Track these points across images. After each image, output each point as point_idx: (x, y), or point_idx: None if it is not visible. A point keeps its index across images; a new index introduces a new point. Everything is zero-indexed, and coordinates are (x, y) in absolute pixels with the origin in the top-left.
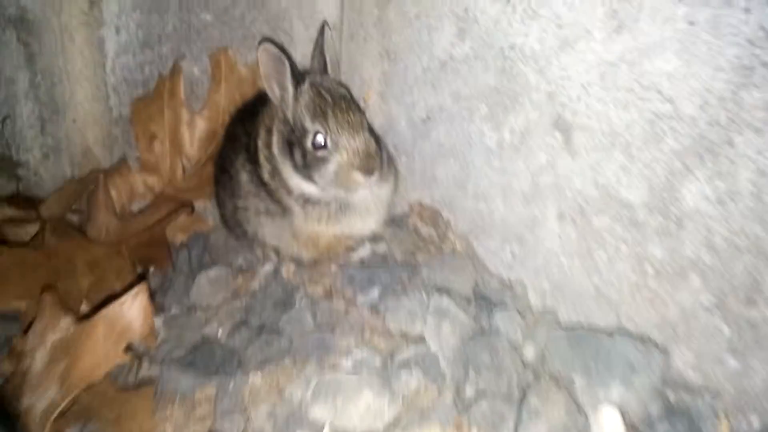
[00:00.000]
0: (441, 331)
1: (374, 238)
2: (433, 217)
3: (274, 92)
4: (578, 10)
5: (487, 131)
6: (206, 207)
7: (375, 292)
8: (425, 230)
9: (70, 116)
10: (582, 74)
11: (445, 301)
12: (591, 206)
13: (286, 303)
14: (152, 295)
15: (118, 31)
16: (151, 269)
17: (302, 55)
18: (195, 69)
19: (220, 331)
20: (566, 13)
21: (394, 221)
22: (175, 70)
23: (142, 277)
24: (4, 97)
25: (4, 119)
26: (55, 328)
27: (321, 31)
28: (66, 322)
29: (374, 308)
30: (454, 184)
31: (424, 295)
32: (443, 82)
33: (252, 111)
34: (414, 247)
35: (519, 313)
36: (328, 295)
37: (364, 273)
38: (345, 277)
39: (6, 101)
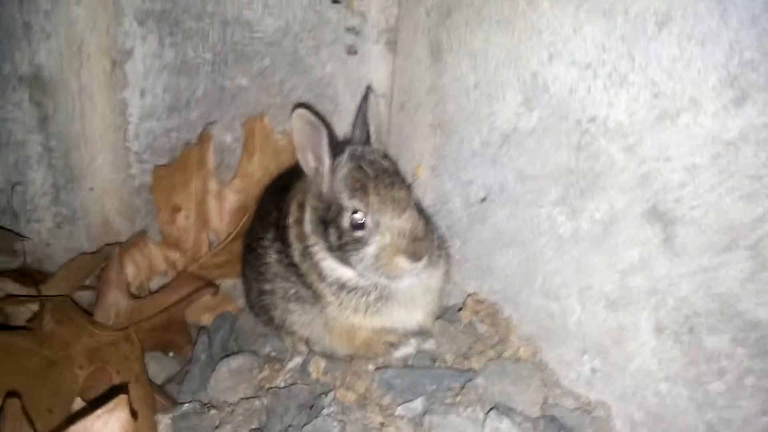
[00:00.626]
0: None
1: (421, 334)
2: (492, 314)
3: (308, 164)
4: (681, 76)
5: (559, 218)
6: (235, 285)
7: (418, 404)
8: (482, 329)
9: (87, 184)
10: (686, 155)
11: (506, 424)
12: (703, 320)
13: (312, 408)
14: (163, 385)
15: (143, 93)
16: (170, 353)
17: (348, 125)
18: (227, 136)
19: None
20: (665, 80)
21: (446, 315)
22: (205, 137)
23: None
24: (14, 162)
25: (13, 186)
26: None
27: (365, 97)
28: None
29: (416, 424)
30: (517, 276)
31: (478, 411)
32: (505, 158)
33: (286, 184)
34: (468, 349)
35: None
36: (362, 402)
37: (407, 379)
38: (382, 382)
39: (15, 167)
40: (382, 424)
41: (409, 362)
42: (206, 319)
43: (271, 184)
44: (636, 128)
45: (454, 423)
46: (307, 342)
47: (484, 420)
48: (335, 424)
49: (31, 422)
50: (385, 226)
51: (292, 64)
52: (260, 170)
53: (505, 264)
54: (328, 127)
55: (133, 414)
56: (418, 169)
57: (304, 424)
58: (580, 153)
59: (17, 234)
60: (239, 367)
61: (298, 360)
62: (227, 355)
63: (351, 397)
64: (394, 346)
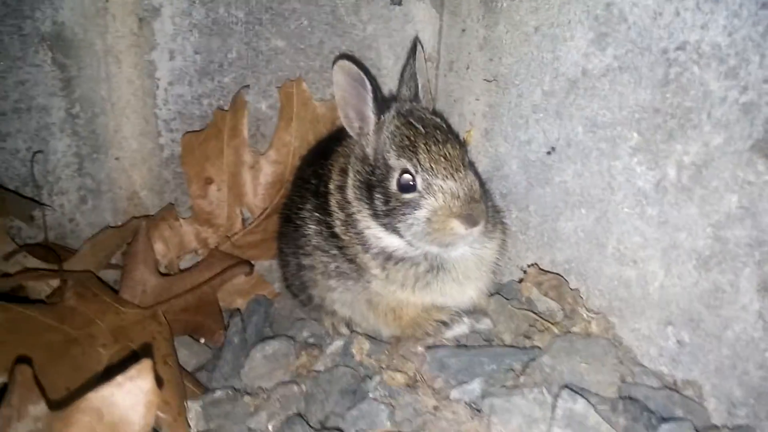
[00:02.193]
0: None
1: (474, 312)
2: (557, 287)
3: (351, 122)
4: None
5: (638, 168)
6: (271, 267)
7: (476, 386)
8: (545, 304)
9: (113, 154)
10: None
11: (581, 405)
12: None
13: (356, 392)
14: (194, 372)
15: (172, 55)
16: (201, 339)
17: (392, 90)
18: (262, 103)
19: (271, 426)
20: None
21: (501, 292)
22: (238, 104)
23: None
24: (35, 129)
25: (34, 155)
26: (22, 418)
27: (412, 50)
28: (38, 410)
29: (474, 408)
30: (586, 242)
31: (545, 393)
32: (572, 107)
33: (325, 150)
34: (529, 327)
35: (697, 430)
36: (412, 385)
37: (462, 358)
38: (435, 362)
39: (37, 134)
40: (436, 408)
41: (463, 343)
42: (239, 304)
43: (309, 152)
44: (738, 48)
45: (518, 406)
46: (348, 323)
47: (554, 402)
48: (383, 408)
49: (44, 393)
50: (437, 187)
51: (331, 24)
52: (298, 139)
53: (571, 229)
54: (372, 81)
55: (158, 382)
56: (468, 134)
57: (349, 409)
58: (667, 88)
59: (34, 200)
60: (275, 353)
61: (339, 343)
62: (262, 340)
63: (400, 379)
64: (445, 324)
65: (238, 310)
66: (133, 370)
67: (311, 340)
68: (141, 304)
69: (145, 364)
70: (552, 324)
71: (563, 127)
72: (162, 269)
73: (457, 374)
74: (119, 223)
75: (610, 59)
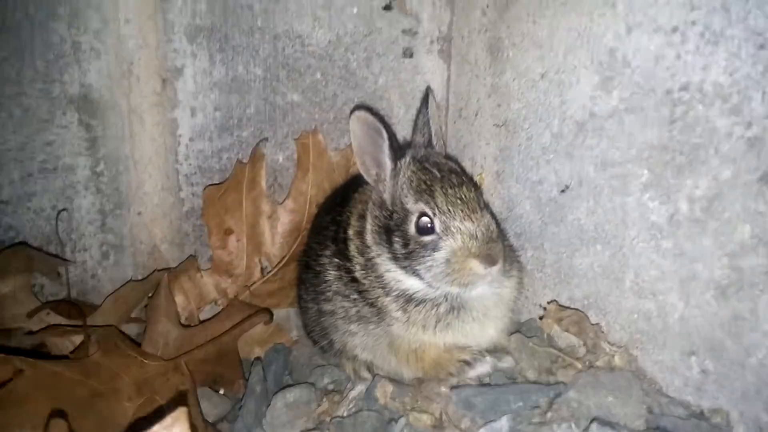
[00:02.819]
0: None
1: (496, 351)
2: (578, 322)
3: (368, 170)
4: None
5: (651, 204)
6: (288, 315)
7: (504, 424)
8: (566, 340)
9: (135, 209)
10: None
11: None
12: None
13: None
14: (215, 423)
15: (193, 112)
16: (220, 390)
17: (404, 138)
18: (279, 155)
19: None
20: None
21: (521, 330)
22: (257, 156)
23: (193, 397)
24: (61, 188)
25: (59, 213)
26: None
27: (424, 99)
28: None
29: None
30: (603, 277)
31: (574, 428)
32: (582, 148)
33: (342, 197)
34: (552, 363)
35: None
36: (438, 426)
37: (487, 396)
38: (461, 401)
39: (63, 192)
40: None
41: (486, 382)
42: (257, 353)
43: (325, 200)
44: (740, 87)
45: None
46: (369, 367)
47: None
48: None
49: None
50: (455, 229)
51: (344, 78)
52: (314, 188)
53: (588, 265)
54: (388, 129)
55: (193, 430)
56: (480, 176)
57: None
58: (673, 126)
59: (60, 257)
60: (296, 401)
61: (361, 387)
62: (282, 389)
63: (426, 420)
64: (468, 364)
65: (259, 359)
66: (168, 419)
67: (331, 387)
68: (163, 356)
69: (181, 413)
70: (575, 359)
71: (574, 166)
72: (183, 321)
73: (483, 413)
74: (140, 277)
75: (616, 101)
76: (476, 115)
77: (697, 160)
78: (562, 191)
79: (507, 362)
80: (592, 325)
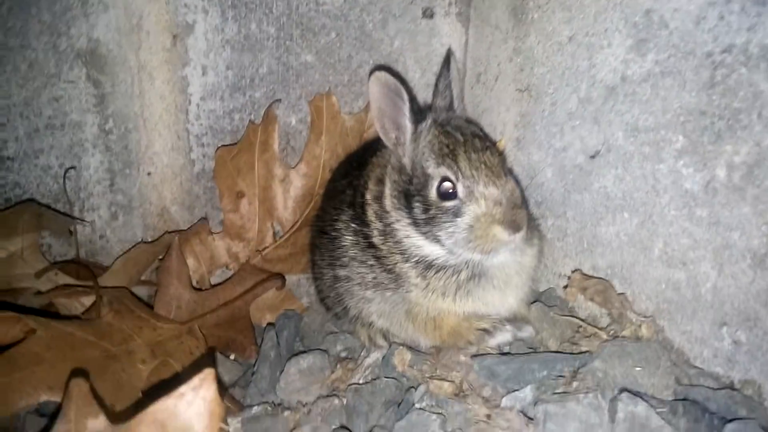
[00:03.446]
0: None
1: (515, 321)
2: (603, 291)
3: (387, 133)
4: None
5: (685, 171)
6: (299, 282)
7: (527, 392)
8: (586, 310)
9: (144, 169)
10: None
11: (642, 408)
12: None
13: (400, 404)
14: (228, 389)
15: (204, 71)
16: (231, 356)
17: (419, 103)
18: (292, 117)
19: None
20: None
21: (540, 299)
22: (269, 118)
23: (210, 360)
24: (69, 145)
25: (67, 171)
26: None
27: (446, 62)
28: (98, 424)
29: (527, 414)
30: (630, 246)
31: (600, 398)
32: (611, 113)
33: (358, 162)
34: (575, 333)
35: (764, 429)
36: (460, 393)
37: (511, 365)
38: (484, 370)
39: (71, 150)
40: (488, 417)
41: (506, 352)
42: (268, 319)
43: (340, 165)
44: None
45: (573, 412)
46: (385, 335)
47: (612, 406)
48: (434, 417)
49: (103, 406)
50: (479, 194)
51: (359, 39)
52: (327, 152)
53: (613, 234)
54: (409, 91)
55: (221, 391)
56: (499, 143)
57: (398, 420)
58: (713, 90)
59: (72, 216)
60: (310, 367)
61: (377, 355)
62: (295, 355)
63: (447, 388)
64: (488, 332)
65: (272, 324)
66: (196, 380)
67: (345, 354)
68: (176, 320)
69: (208, 374)
70: (598, 329)
71: (602, 133)
72: (194, 284)
73: (506, 382)
74: (149, 239)
75: (650, 65)
76: (496, 80)
77: (738, 125)
78: (592, 157)
79: (527, 332)
80: (618, 294)
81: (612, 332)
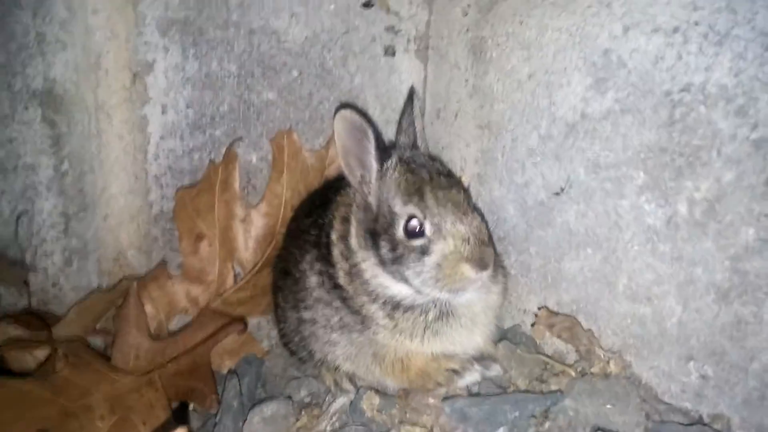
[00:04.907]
0: None
1: (482, 359)
2: (570, 328)
3: (352, 171)
4: None
5: (647, 206)
6: (259, 324)
7: None
8: (552, 347)
9: (100, 213)
10: None
11: None
12: None
13: None
14: None
15: (164, 109)
16: (191, 406)
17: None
18: (253, 155)
19: None
20: None
21: (506, 337)
22: (230, 157)
23: (181, 415)
24: (22, 189)
25: (19, 216)
26: None
27: (409, 99)
28: None
29: None
30: (594, 281)
31: None
32: (572, 150)
33: (321, 200)
34: (543, 371)
35: None
36: None
37: (483, 407)
38: (455, 413)
39: (23, 194)
40: None
41: (475, 392)
42: (228, 365)
43: (302, 203)
44: (746, 88)
45: None
46: (351, 378)
47: None
48: None
49: None
50: (446, 232)
51: (320, 76)
52: (289, 191)
53: (577, 269)
54: (374, 129)
55: None
56: (461, 179)
57: None
58: (673, 128)
59: (22, 266)
60: (273, 415)
61: (343, 400)
62: (258, 403)
63: None
64: (457, 373)
65: (234, 372)
66: None
67: (309, 399)
68: (134, 370)
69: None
70: (566, 366)
71: (563, 169)
72: (151, 331)
73: (478, 425)
74: (104, 286)
75: (610, 102)
76: (456, 116)
77: (698, 162)
78: (557, 194)
79: (495, 370)
80: (585, 330)
81: (580, 369)
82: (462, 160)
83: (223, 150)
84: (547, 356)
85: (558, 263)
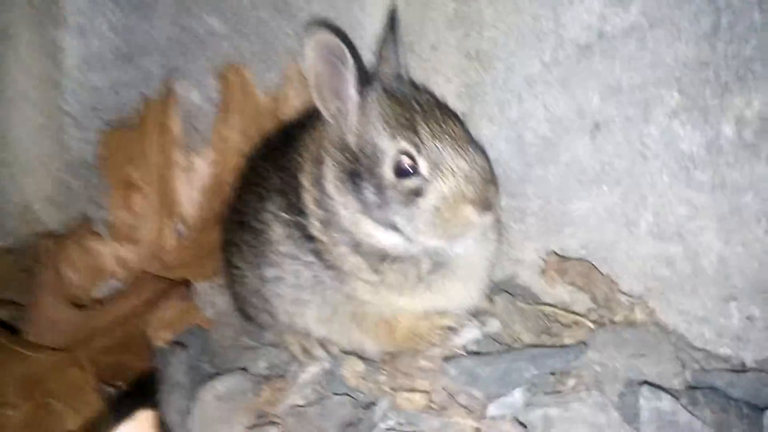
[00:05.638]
0: None
1: (478, 315)
2: (587, 274)
3: (326, 104)
4: None
5: (681, 130)
6: (204, 291)
7: (517, 396)
8: (559, 296)
9: (2, 158)
10: None
11: (667, 402)
12: None
13: (361, 424)
14: None
15: (83, 34)
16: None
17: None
18: (194, 93)
19: None
20: None
21: (498, 290)
22: (167, 94)
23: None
24: None
25: None
26: None
27: (390, 23)
28: None
29: (521, 422)
30: (610, 221)
31: (609, 394)
32: (584, 75)
33: (283, 141)
34: (552, 323)
35: None
36: (434, 406)
37: (495, 366)
38: (462, 374)
39: None
40: (478, 431)
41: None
42: (165, 339)
43: (257, 149)
44: None
45: (579, 414)
46: (323, 344)
47: (623, 402)
48: None
49: None
50: (446, 169)
51: (274, 3)
52: (239, 135)
53: (587, 210)
54: (354, 53)
55: None
56: None
57: None
58: (717, 39)
59: None
60: (229, 392)
61: (314, 369)
62: (209, 378)
63: (418, 401)
64: (453, 330)
65: (180, 343)
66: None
67: (268, 372)
68: (53, 346)
69: (146, 417)
70: (579, 316)
71: (573, 98)
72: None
73: (489, 386)
74: (8, 245)
75: (635, 17)
76: (433, 48)
77: (750, 76)
78: (546, 138)
79: (494, 326)
80: (603, 275)
81: (596, 318)
82: (442, 98)
83: (158, 86)
84: (556, 307)
85: (563, 205)
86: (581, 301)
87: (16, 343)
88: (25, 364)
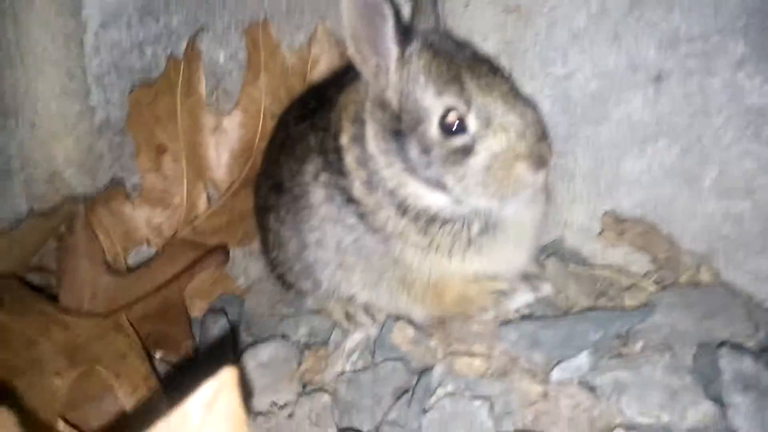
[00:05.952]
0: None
1: (528, 279)
2: (646, 234)
3: (365, 60)
4: None
5: (747, 83)
6: (234, 259)
7: (583, 360)
8: (612, 258)
9: (26, 120)
10: None
11: (748, 363)
12: None
13: (417, 390)
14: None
15: None
16: (158, 354)
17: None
18: (220, 53)
19: None
20: None
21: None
22: (193, 54)
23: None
24: None
25: None
26: None
27: None
28: None
29: (591, 387)
30: (668, 179)
31: (682, 356)
32: (639, 25)
33: (319, 101)
34: (609, 286)
35: None
36: (493, 370)
37: (558, 329)
38: (524, 338)
39: None
40: (546, 395)
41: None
42: (199, 308)
43: (289, 109)
44: None
45: (652, 378)
46: (368, 310)
47: (698, 365)
48: (477, 404)
49: None
50: (497, 125)
51: None
52: (268, 96)
53: (643, 168)
54: (392, 5)
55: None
56: None
57: (426, 411)
58: None
59: None
60: (272, 359)
61: (359, 336)
62: (250, 346)
63: (477, 366)
64: (505, 294)
65: (220, 309)
66: (208, 388)
67: (308, 340)
68: (93, 312)
69: (229, 374)
70: (639, 278)
71: (624, 50)
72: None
73: (552, 350)
74: (37, 212)
75: None
76: (466, 5)
77: None
78: (595, 95)
79: (546, 290)
80: (664, 235)
81: (655, 279)
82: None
83: (183, 45)
84: (612, 269)
85: (615, 164)
86: (638, 264)
87: (56, 309)
88: (67, 331)
